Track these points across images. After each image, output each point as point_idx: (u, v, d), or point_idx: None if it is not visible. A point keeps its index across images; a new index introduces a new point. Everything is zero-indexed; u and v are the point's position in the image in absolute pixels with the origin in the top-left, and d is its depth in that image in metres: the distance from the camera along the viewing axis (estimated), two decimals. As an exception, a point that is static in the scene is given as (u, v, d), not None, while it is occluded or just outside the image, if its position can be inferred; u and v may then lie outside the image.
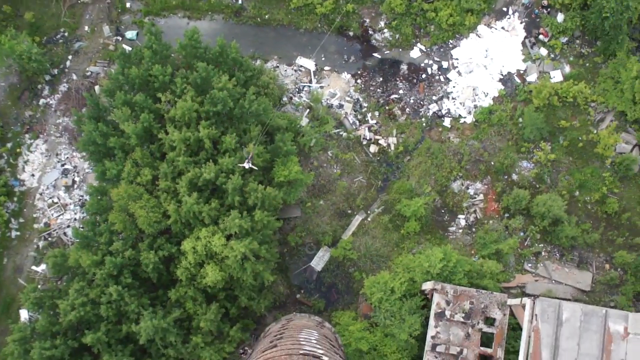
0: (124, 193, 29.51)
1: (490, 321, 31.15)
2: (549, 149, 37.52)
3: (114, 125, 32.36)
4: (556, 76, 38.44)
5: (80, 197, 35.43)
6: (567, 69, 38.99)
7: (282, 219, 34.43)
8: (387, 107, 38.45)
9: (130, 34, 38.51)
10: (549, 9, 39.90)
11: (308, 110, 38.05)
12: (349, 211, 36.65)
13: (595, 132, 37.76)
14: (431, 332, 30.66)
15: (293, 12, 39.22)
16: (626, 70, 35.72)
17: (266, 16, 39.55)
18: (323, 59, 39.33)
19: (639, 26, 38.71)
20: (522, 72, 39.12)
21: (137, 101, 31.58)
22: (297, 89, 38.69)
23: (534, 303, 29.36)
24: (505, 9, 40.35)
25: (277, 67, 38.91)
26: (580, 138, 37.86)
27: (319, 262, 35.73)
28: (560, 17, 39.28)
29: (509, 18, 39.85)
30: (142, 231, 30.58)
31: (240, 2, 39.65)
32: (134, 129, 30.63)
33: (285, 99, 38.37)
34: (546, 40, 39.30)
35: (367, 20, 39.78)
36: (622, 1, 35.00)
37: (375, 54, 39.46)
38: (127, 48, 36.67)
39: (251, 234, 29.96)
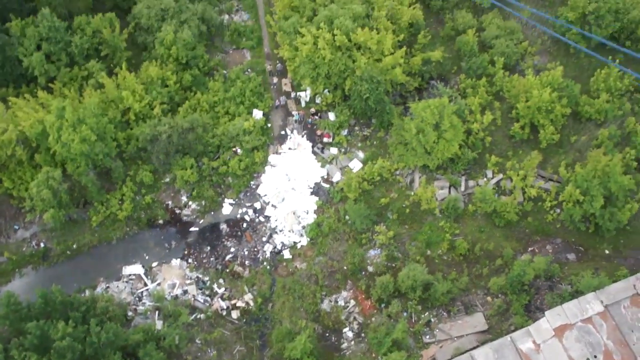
0: None
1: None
2: (384, 228, 51.84)
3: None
4: (355, 165, 54.41)
5: None
6: (361, 154, 55.41)
7: None
8: (227, 270, 50.72)
9: None
10: (319, 114, 57.50)
11: (157, 312, 48.74)
12: (244, 386, 45.71)
13: (412, 193, 53.28)
14: None
15: (98, 229, 51.65)
16: (407, 131, 52.46)
17: (74, 246, 51.30)
18: (147, 257, 51.40)
19: (396, 91, 57.56)
20: (326, 177, 54.67)
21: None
22: (137, 298, 49.51)
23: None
24: (283, 132, 57.18)
25: (108, 287, 49.77)
26: (404, 205, 52.99)
27: None
28: (332, 116, 56.64)
29: (291, 138, 56.34)
30: None
31: (42, 244, 51.29)
32: None
33: (130, 313, 48.74)
34: (331, 140, 56.01)
35: (170, 202, 53.45)
36: (372, 78, 52.88)
37: (192, 228, 52.63)
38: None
39: None
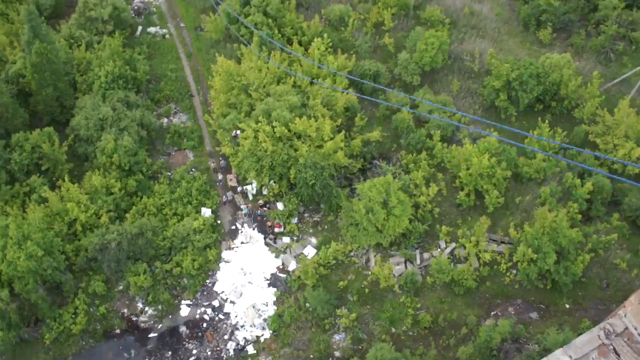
0: None
1: None
2: (346, 311, 57.11)
3: None
4: (309, 252, 60.45)
5: None
6: (314, 240, 61.70)
7: None
8: (189, 376, 54.21)
9: None
10: (267, 205, 64.22)
11: None
12: None
13: (369, 273, 59.33)
14: None
15: (52, 346, 53.97)
16: (356, 212, 59.17)
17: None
18: (105, 374, 54.24)
19: (340, 174, 65.11)
20: (281, 267, 60.37)
21: None
22: (95, 420, 51.95)
23: None
24: (233, 227, 63.26)
25: (64, 412, 52.13)
26: (363, 286, 58.75)
27: None
28: (280, 206, 63.33)
29: (242, 232, 62.37)
30: None
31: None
32: None
33: None
34: (282, 229, 62.34)
35: (125, 310, 57.36)
36: (315, 165, 60.10)
37: (151, 335, 56.33)
38: None
39: None
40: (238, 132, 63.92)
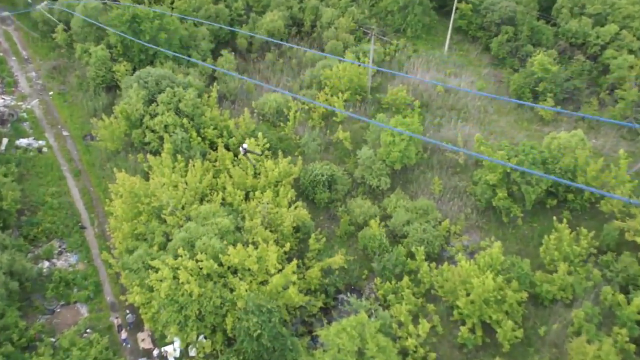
0: None
1: None
2: None
3: None
4: None
5: None
6: None
7: None
8: None
9: None
10: None
11: None
12: None
13: None
14: None
15: None
16: None
17: None
18: None
19: (296, 318, 64.58)
20: None
21: None
22: None
23: None
24: None
25: None
26: None
27: None
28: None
29: None
30: None
31: None
32: None
33: None
34: None
35: None
36: (260, 309, 60.08)
37: None
38: None
39: None
40: (246, 145, 65.60)
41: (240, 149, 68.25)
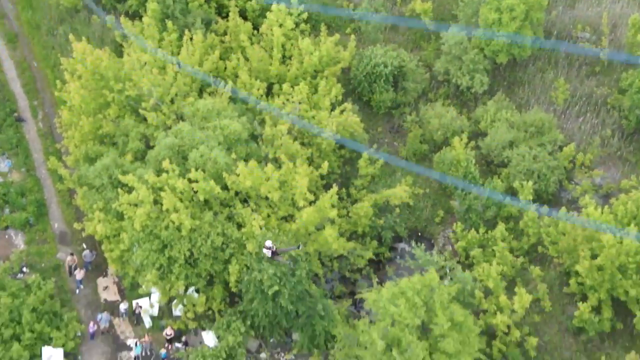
0: None
1: None
2: None
3: None
4: None
5: None
6: None
7: None
8: None
9: None
10: (183, 338, 68.05)
11: None
12: None
13: None
14: None
15: None
16: (365, 347, 63.32)
17: None
18: None
19: (332, 272, 68.87)
20: None
21: None
22: None
23: None
24: None
25: None
26: None
27: None
28: (209, 338, 65.70)
29: None
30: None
31: None
32: None
33: None
34: None
35: None
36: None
37: None
38: None
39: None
40: (270, 242, 64.29)
41: (264, 250, 65.53)
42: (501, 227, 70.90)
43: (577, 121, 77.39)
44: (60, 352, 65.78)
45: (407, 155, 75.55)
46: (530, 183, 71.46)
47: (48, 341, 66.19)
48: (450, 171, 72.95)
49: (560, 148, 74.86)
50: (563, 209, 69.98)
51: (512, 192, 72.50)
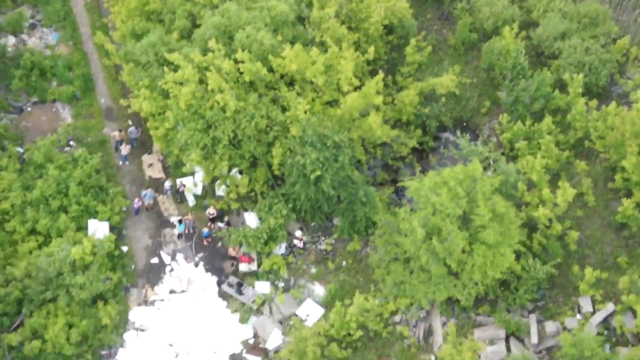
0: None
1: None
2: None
3: None
4: (311, 312, 62.06)
5: None
6: (319, 289, 63.36)
7: None
8: None
9: None
10: (225, 218, 68.67)
11: None
12: None
13: (433, 358, 65.27)
14: None
15: None
16: (406, 235, 63.94)
17: None
18: None
19: (375, 160, 69.24)
20: (254, 342, 63.21)
21: None
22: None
23: None
24: (154, 260, 67.46)
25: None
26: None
27: None
28: (252, 219, 66.24)
29: (173, 270, 66.61)
30: None
31: None
32: None
33: None
34: (255, 267, 66.05)
35: None
36: (324, 140, 65.67)
37: None
38: None
39: None
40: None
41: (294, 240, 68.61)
42: (548, 120, 70.57)
43: (633, 13, 75.71)
44: (105, 225, 67.10)
45: (456, 43, 75.01)
46: (581, 76, 70.65)
47: (94, 214, 67.77)
48: (498, 61, 72.63)
49: (614, 41, 73.75)
50: (613, 104, 69.60)
51: (562, 85, 71.86)
